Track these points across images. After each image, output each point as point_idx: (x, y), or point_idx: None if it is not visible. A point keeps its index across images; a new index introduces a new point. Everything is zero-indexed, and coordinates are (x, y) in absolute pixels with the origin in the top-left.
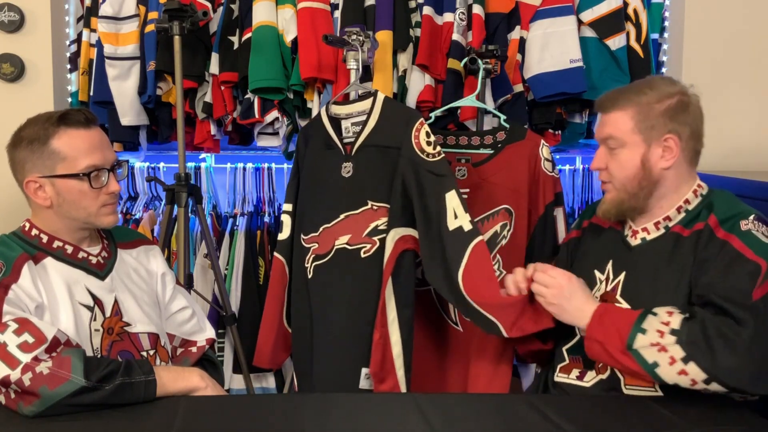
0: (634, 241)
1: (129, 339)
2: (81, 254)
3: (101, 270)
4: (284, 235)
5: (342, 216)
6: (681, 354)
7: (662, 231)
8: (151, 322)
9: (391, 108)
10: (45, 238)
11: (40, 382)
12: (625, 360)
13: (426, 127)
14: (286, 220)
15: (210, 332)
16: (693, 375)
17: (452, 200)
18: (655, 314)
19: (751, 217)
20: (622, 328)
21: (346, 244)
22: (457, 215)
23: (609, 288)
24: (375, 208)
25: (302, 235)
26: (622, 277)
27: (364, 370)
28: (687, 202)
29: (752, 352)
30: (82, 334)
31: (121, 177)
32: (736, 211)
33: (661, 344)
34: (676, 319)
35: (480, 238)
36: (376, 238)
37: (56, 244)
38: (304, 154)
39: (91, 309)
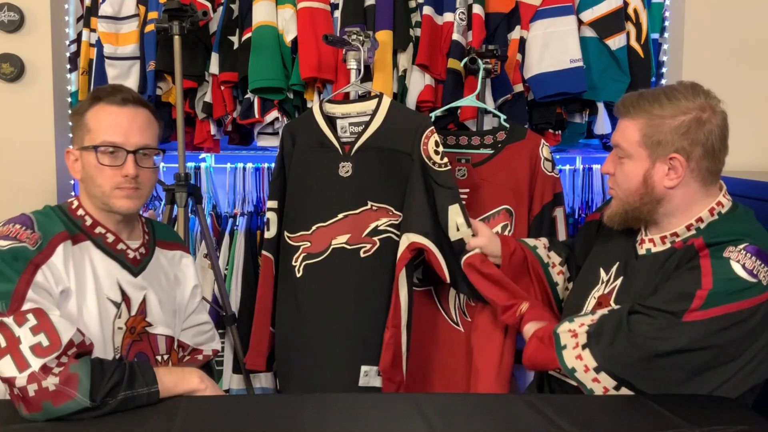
0: (641, 251)
1: (148, 340)
2: (120, 246)
3: (136, 266)
4: (272, 233)
5: (340, 215)
6: (583, 340)
7: (668, 245)
8: (168, 326)
9: (398, 112)
10: (89, 221)
11: (44, 397)
12: (549, 343)
13: (435, 137)
14: (272, 217)
15: (217, 344)
16: (586, 361)
17: (454, 214)
18: (593, 313)
19: (742, 246)
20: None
21: (345, 243)
22: (459, 228)
23: (606, 291)
24: (374, 208)
25: (287, 233)
26: (619, 282)
27: (364, 368)
28: (700, 220)
29: (643, 348)
30: (105, 331)
31: (147, 165)
32: (731, 237)
33: (575, 331)
34: (600, 312)
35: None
36: (376, 239)
37: (98, 230)
38: (291, 152)
39: (117, 305)
